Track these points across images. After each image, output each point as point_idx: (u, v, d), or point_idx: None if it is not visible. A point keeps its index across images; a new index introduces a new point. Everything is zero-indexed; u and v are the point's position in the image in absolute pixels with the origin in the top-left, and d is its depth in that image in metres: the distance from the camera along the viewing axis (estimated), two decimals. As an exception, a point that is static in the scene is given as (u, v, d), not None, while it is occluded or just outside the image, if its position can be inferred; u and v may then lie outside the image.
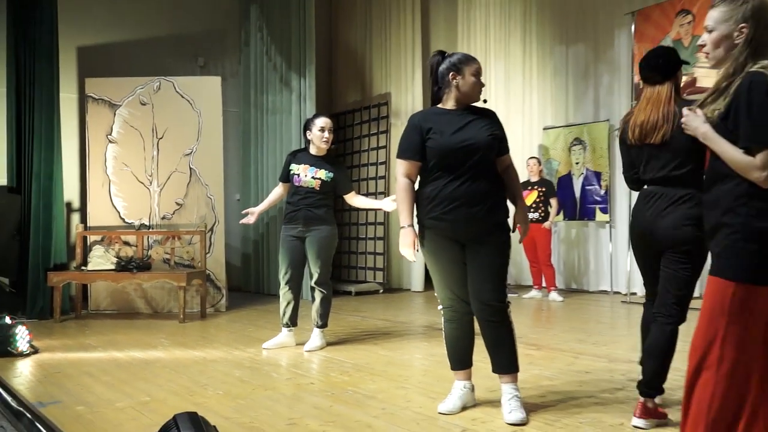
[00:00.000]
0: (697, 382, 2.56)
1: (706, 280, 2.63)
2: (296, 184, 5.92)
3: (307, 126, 6.06)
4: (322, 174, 5.89)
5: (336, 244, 6.15)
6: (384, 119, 10.75)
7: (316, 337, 6.01)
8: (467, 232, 3.80)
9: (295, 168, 5.94)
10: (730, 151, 2.55)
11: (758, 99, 2.47)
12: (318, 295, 6.03)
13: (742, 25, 2.59)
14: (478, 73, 3.89)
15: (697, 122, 2.68)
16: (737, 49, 2.60)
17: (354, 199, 6.23)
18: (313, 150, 5.98)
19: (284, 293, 6.06)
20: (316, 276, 5.98)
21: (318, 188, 5.88)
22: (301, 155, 6.05)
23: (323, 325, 6.05)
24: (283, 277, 6.04)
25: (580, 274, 10.33)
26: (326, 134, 5.92)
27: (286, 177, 6.04)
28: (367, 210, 10.31)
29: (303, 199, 5.89)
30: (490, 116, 3.93)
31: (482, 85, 3.92)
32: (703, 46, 2.72)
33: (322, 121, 5.96)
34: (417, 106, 10.57)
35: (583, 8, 10.21)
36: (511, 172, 4.00)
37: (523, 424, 3.68)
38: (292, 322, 6.13)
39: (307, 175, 5.89)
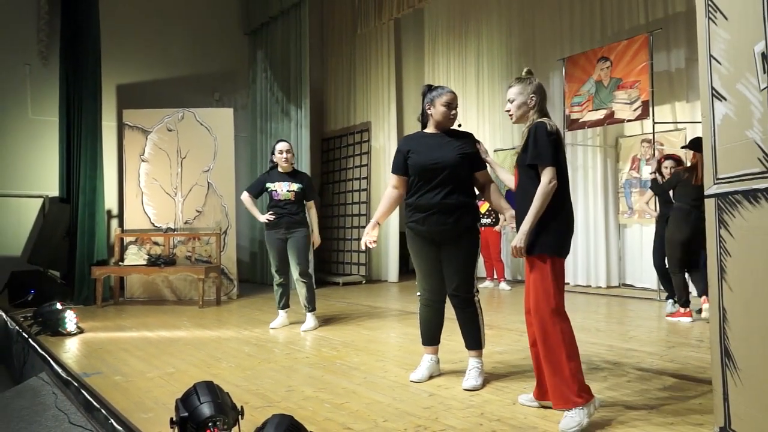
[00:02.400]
0: None
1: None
2: (276, 198, 5.97)
3: (272, 151, 6.09)
4: (295, 186, 5.97)
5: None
6: (365, 143, 10.75)
7: (309, 320, 6.02)
8: (441, 236, 3.80)
9: (271, 185, 5.99)
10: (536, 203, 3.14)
11: (540, 135, 3.14)
12: (302, 286, 6.03)
13: (532, 95, 3.26)
14: (448, 104, 3.82)
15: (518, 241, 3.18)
16: (531, 111, 3.28)
17: (311, 209, 6.21)
18: (280, 169, 6.01)
19: (277, 283, 6.11)
20: (299, 270, 5.98)
21: (293, 198, 5.96)
22: (272, 174, 6.06)
23: (312, 309, 6.07)
24: (276, 271, 6.08)
25: (523, 268, 10.34)
26: (285, 155, 5.96)
27: (259, 192, 6.11)
28: (349, 214, 10.29)
29: (283, 209, 5.95)
30: (465, 138, 3.88)
31: (452, 112, 3.85)
32: (509, 110, 3.35)
33: (281, 146, 6.01)
34: (392, 131, 10.59)
35: (525, 55, 10.26)
36: (491, 186, 3.97)
37: (475, 389, 3.69)
38: (286, 305, 6.19)
39: (283, 189, 5.95)
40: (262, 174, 6.37)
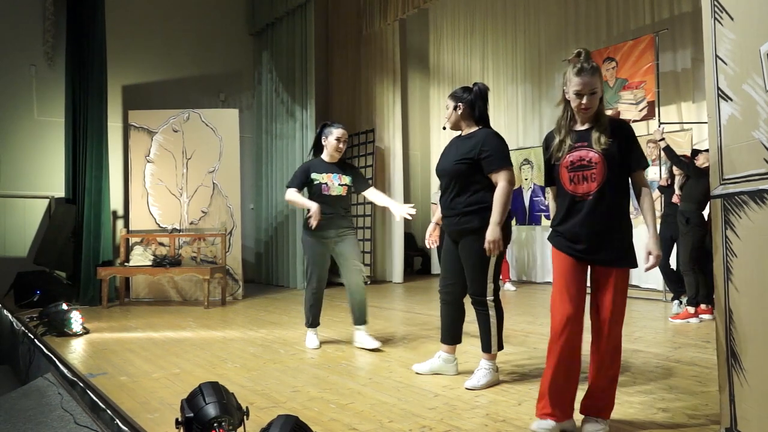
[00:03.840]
0: None
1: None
2: (324, 192, 4.92)
3: (322, 132, 5.04)
4: (347, 179, 4.99)
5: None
6: (371, 143, 10.75)
7: (366, 335, 5.07)
8: (452, 235, 3.91)
9: (317, 177, 4.94)
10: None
11: (635, 136, 2.93)
12: (361, 293, 5.06)
13: (600, 86, 2.88)
14: (448, 105, 3.97)
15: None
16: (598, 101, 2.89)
17: (373, 195, 5.17)
18: (326, 157, 5.02)
19: (314, 293, 5.15)
20: (362, 276, 5.05)
21: (345, 194, 4.99)
22: (317, 163, 5.03)
23: (366, 322, 5.11)
24: (317, 279, 5.13)
25: (529, 268, 10.35)
26: (341, 145, 4.97)
27: (304, 184, 4.97)
28: (366, 211, 10.30)
29: (333, 207, 4.93)
30: (474, 141, 3.80)
31: (450, 112, 3.94)
32: (585, 105, 2.84)
33: (338, 132, 4.96)
34: (397, 132, 10.61)
35: (530, 55, 10.28)
36: (497, 189, 3.69)
37: (473, 388, 3.70)
38: (317, 321, 5.20)
39: (334, 183, 4.94)
40: (303, 162, 5.35)
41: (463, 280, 3.91)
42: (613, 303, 2.84)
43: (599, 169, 2.83)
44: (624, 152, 2.86)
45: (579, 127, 2.93)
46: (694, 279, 6.04)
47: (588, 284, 2.92)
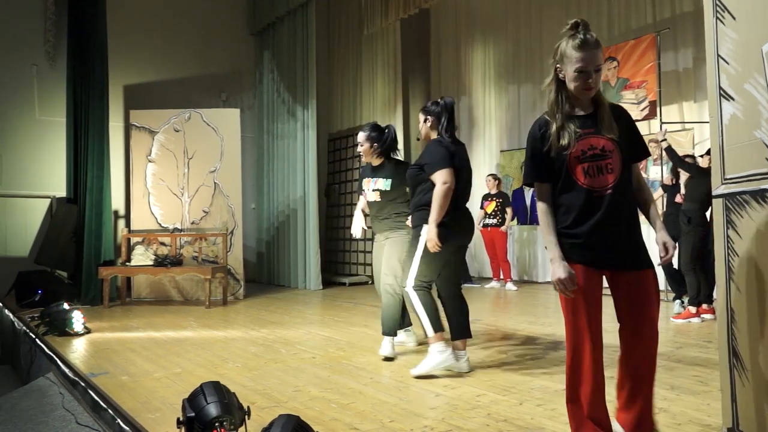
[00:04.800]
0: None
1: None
2: (366, 199, 4.96)
3: None
4: (381, 184, 4.80)
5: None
6: (372, 143, 10.75)
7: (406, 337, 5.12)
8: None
9: (363, 183, 4.96)
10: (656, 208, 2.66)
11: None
12: (386, 296, 4.76)
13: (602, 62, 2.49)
14: (420, 119, 4.36)
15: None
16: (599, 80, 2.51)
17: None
18: (368, 160, 4.98)
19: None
20: (388, 284, 4.74)
21: (380, 198, 4.81)
22: (366, 169, 4.99)
23: (387, 333, 4.72)
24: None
25: (531, 268, 10.35)
26: (358, 148, 4.94)
27: (362, 190, 5.03)
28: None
29: (374, 211, 4.91)
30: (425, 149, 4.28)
31: (422, 125, 4.34)
32: (590, 84, 2.47)
33: (358, 137, 4.95)
34: (398, 131, 10.58)
35: (530, 56, 10.27)
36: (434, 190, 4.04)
37: (416, 374, 3.99)
38: (396, 327, 4.81)
39: (369, 188, 4.87)
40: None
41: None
42: (652, 317, 2.46)
43: (615, 158, 2.44)
44: (630, 140, 2.51)
45: (580, 112, 2.52)
46: (695, 279, 6.04)
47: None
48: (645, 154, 2.61)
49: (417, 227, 4.16)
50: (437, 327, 4.08)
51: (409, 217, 4.45)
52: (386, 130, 4.85)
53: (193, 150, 8.81)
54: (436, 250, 3.96)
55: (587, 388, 2.50)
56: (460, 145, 4.27)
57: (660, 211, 6.78)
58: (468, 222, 4.24)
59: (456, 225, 4.08)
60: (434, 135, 4.28)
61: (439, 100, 4.30)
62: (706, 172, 5.92)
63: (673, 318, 6.15)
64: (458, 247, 4.27)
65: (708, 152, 6.22)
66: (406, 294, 4.17)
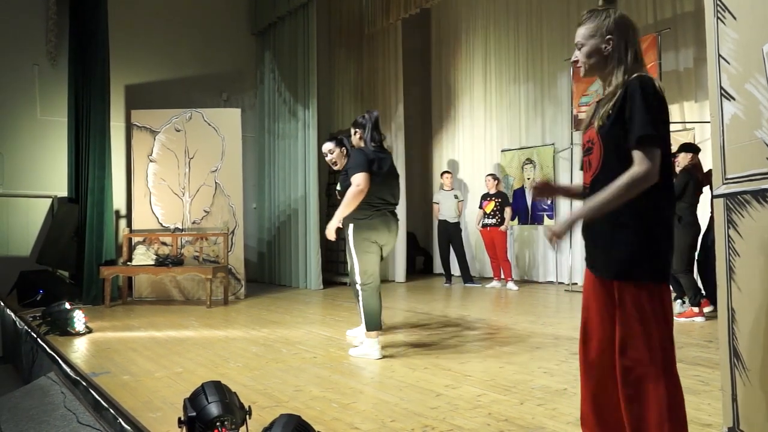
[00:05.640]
0: None
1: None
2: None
3: None
4: (338, 185, 5.11)
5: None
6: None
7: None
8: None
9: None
10: (606, 195, 2.13)
11: (646, 98, 2.12)
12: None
13: (608, 37, 2.26)
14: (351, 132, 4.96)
15: (560, 227, 2.22)
16: (615, 60, 2.26)
17: None
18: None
19: None
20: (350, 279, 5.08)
21: (340, 198, 4.94)
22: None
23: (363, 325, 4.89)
24: None
25: (532, 268, 10.35)
26: (327, 157, 5.40)
27: None
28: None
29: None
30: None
31: (352, 137, 4.96)
32: (576, 61, 2.34)
33: (322, 148, 5.46)
34: (399, 131, 10.60)
35: (532, 55, 10.27)
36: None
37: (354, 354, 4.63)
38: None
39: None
40: None
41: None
42: (620, 337, 2.18)
43: (595, 151, 2.24)
44: (619, 122, 2.17)
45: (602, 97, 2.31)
46: (689, 280, 6.06)
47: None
48: (633, 134, 2.12)
49: (343, 228, 4.79)
50: (374, 326, 4.67)
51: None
52: (343, 139, 5.40)
53: (194, 150, 8.82)
54: (333, 238, 4.89)
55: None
56: (384, 153, 4.87)
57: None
58: (384, 223, 4.74)
59: (371, 224, 4.67)
60: (361, 144, 4.88)
61: (366, 114, 4.93)
62: (689, 171, 5.99)
63: (676, 317, 6.15)
64: (381, 245, 4.81)
65: (679, 150, 6.26)
66: (356, 290, 4.76)
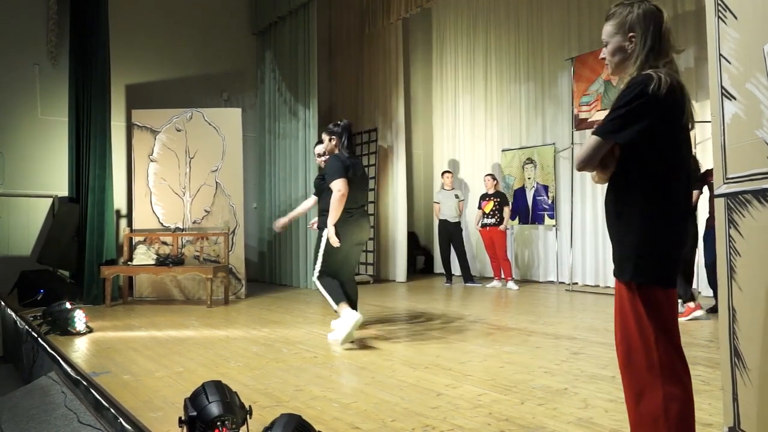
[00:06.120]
0: None
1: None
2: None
3: None
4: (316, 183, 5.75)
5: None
6: (373, 142, 10.76)
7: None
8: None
9: None
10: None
11: (626, 93, 2.13)
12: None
13: (630, 34, 2.24)
14: (324, 138, 5.56)
15: None
16: (634, 56, 2.23)
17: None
18: None
19: None
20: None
21: (316, 196, 5.87)
22: None
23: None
24: None
25: (532, 268, 10.35)
26: (317, 159, 5.95)
27: None
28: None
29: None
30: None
31: (326, 143, 5.52)
32: (604, 58, 2.37)
33: (316, 150, 5.99)
34: (400, 131, 10.59)
35: (533, 54, 10.27)
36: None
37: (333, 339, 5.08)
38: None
39: None
40: None
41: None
42: (618, 339, 2.24)
43: None
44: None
45: None
46: (680, 279, 6.09)
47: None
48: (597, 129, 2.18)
49: (321, 228, 5.25)
50: (340, 298, 5.05)
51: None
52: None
53: (195, 149, 8.82)
54: (338, 245, 5.06)
55: None
56: (356, 159, 5.39)
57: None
58: (357, 225, 5.25)
59: (343, 230, 5.10)
60: (336, 151, 5.29)
61: (339, 122, 5.41)
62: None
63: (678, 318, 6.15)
64: (354, 244, 5.32)
65: None
66: (313, 284, 5.20)
